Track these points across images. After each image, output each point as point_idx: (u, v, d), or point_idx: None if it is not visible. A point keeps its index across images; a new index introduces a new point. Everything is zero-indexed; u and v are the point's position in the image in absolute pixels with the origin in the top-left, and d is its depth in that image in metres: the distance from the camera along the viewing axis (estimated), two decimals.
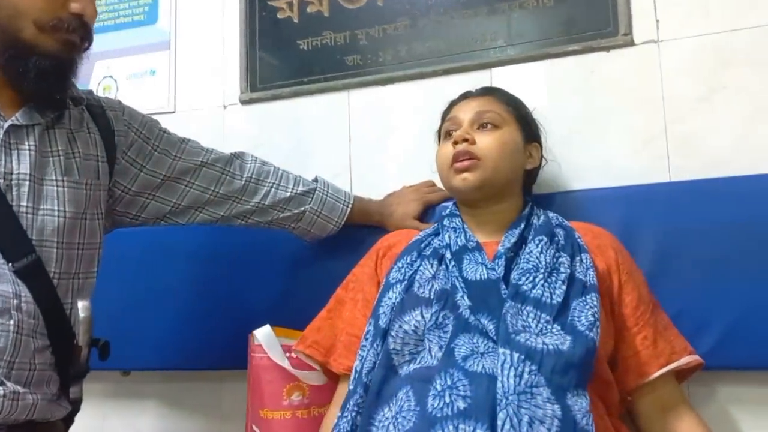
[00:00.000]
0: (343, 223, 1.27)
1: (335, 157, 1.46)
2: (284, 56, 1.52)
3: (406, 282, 1.03)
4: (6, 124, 0.95)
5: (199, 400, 1.49)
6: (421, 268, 1.04)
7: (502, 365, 0.85)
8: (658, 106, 1.24)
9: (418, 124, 1.40)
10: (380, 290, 1.06)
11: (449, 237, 1.06)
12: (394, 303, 1.01)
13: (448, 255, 1.03)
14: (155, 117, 1.22)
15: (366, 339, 1.01)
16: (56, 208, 0.97)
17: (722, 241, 1.09)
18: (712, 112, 1.20)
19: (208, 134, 1.36)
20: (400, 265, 1.06)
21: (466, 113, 1.10)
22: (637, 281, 1.04)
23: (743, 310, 1.06)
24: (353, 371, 1.00)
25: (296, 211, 1.23)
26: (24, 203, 0.94)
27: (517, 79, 1.34)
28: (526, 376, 0.84)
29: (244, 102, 1.54)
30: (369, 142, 1.45)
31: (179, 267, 1.43)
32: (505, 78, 1.35)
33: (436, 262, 1.04)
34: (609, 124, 1.26)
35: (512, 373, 0.84)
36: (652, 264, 1.10)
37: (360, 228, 1.31)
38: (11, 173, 0.94)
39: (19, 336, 0.91)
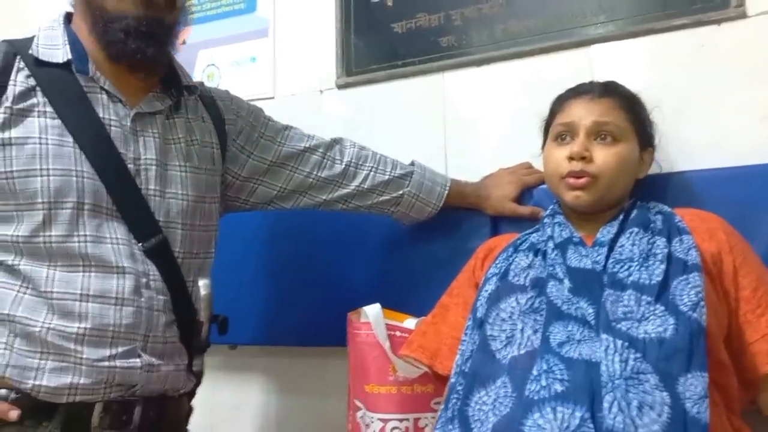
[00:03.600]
0: (441, 205, 1.28)
1: (430, 140, 1.46)
2: (378, 40, 1.53)
3: (501, 273, 1.05)
4: (132, 112, 1.02)
5: (302, 375, 1.56)
6: (516, 259, 1.06)
7: (606, 350, 0.85)
8: None
9: (515, 105, 1.39)
10: (479, 288, 1.08)
11: (552, 231, 1.06)
12: (490, 293, 1.03)
13: (550, 245, 1.03)
14: (256, 103, 1.28)
15: (466, 333, 1.04)
16: (180, 191, 1.04)
17: None
18: None
19: (305, 118, 1.40)
20: (497, 261, 1.09)
21: (583, 119, 1.05)
22: (753, 263, 1.00)
23: None
24: (454, 365, 1.03)
25: (395, 195, 1.26)
26: (152, 187, 1.02)
27: (619, 57, 1.30)
28: (631, 362, 0.83)
29: (340, 86, 1.57)
30: (464, 124, 1.45)
31: (285, 249, 1.50)
32: (606, 56, 1.31)
33: (531, 254, 1.06)
34: (721, 101, 1.21)
35: (617, 359, 0.84)
36: (765, 248, 1.05)
37: (457, 210, 1.32)
38: (140, 158, 1.01)
39: (151, 312, 0.98)
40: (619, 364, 0.83)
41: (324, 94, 1.60)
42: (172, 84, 1.09)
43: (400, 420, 1.18)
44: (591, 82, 1.12)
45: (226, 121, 1.16)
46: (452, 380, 1.01)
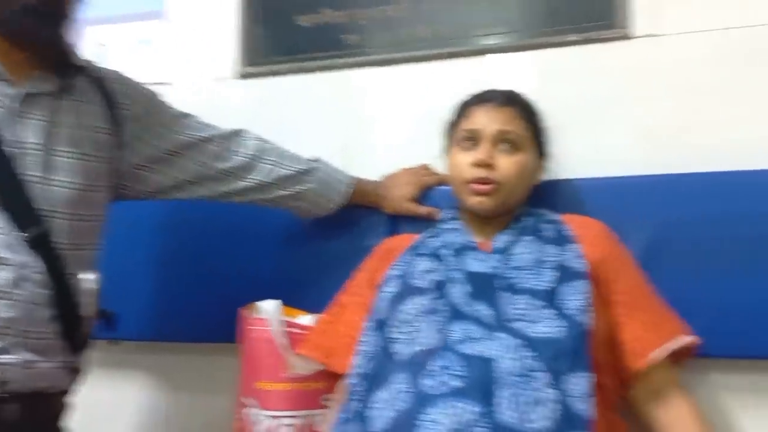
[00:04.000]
0: (342, 203, 1.28)
1: (333, 136, 1.46)
2: (284, 32, 1.51)
3: (402, 276, 1.08)
4: (20, 93, 0.95)
5: (190, 372, 1.50)
6: (416, 263, 1.09)
7: (501, 349, 0.89)
8: (653, 100, 1.27)
9: (417, 107, 1.42)
10: (379, 288, 1.10)
11: (448, 237, 1.10)
12: (392, 295, 1.06)
13: (447, 252, 1.07)
14: (151, 88, 1.21)
15: (365, 334, 1.06)
16: (66, 179, 0.98)
17: (714, 234, 1.13)
18: (705, 107, 1.24)
19: (204, 108, 1.34)
20: (398, 263, 1.12)
21: (487, 126, 1.09)
22: (630, 268, 1.08)
23: (728, 301, 1.11)
24: (354, 366, 1.04)
25: (297, 190, 1.25)
26: (34, 172, 0.94)
27: (513, 67, 1.36)
28: (525, 360, 0.88)
29: (241, 76, 1.53)
30: (367, 123, 1.46)
31: (175, 240, 1.44)
32: (501, 65, 1.37)
33: (431, 259, 1.09)
34: (605, 116, 1.29)
35: (513, 357, 0.88)
36: (645, 254, 1.13)
37: (356, 208, 1.33)
38: (22, 142, 0.94)
39: (32, 305, 0.91)
40: (513, 361, 0.88)
41: (224, 83, 1.55)
42: (63, 63, 1.01)
43: (293, 417, 1.17)
44: (494, 90, 1.16)
45: (120, 105, 1.10)
46: (352, 381, 1.02)
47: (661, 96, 1.27)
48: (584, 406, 0.86)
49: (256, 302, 1.23)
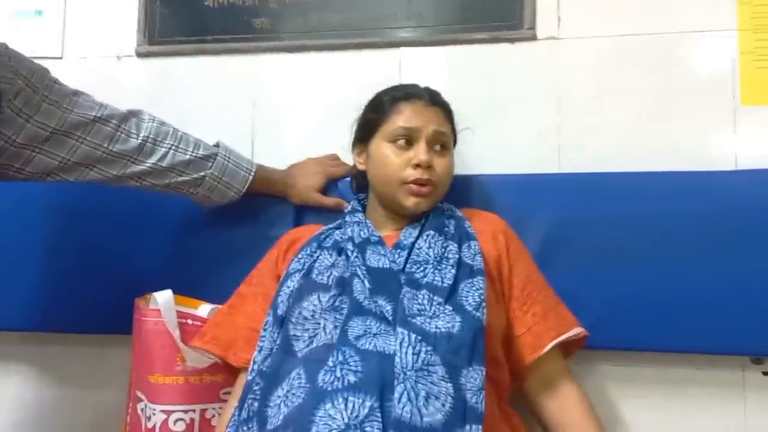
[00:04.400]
0: (244, 191, 1.24)
1: (239, 122, 1.42)
2: (187, 10, 1.45)
3: (304, 270, 1.06)
4: None
5: (77, 365, 1.42)
6: (320, 257, 1.07)
7: (401, 343, 0.89)
8: (555, 101, 1.31)
9: (327, 96, 1.41)
10: (280, 281, 1.07)
11: (352, 231, 1.09)
12: (292, 290, 1.04)
13: (350, 246, 1.06)
14: (41, 62, 1.13)
15: (265, 329, 1.03)
16: None
17: (603, 232, 1.18)
18: (602, 110, 1.29)
19: (99, 86, 1.26)
20: (300, 256, 1.09)
21: (425, 126, 1.08)
22: (525, 263, 1.10)
23: (618, 295, 1.16)
24: (252, 362, 1.01)
25: (195, 176, 1.20)
26: None
27: (424, 62, 1.37)
28: (423, 355, 0.88)
29: (140, 55, 1.46)
30: (275, 110, 1.42)
31: (64, 224, 1.36)
32: (413, 59, 1.37)
33: (335, 253, 1.07)
34: (508, 114, 1.32)
35: (410, 351, 0.88)
36: (539, 249, 1.17)
37: (261, 197, 1.29)
38: None
39: None
40: (411, 356, 0.88)
41: (122, 61, 1.47)
42: None
43: (185, 411, 1.13)
44: (416, 86, 1.15)
45: (1, 78, 1.01)
46: (249, 377, 0.99)
47: (561, 97, 1.31)
48: (478, 400, 0.87)
49: (152, 292, 1.17)
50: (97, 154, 1.11)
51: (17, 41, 1.16)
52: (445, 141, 1.11)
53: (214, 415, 1.15)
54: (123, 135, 1.14)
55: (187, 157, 1.19)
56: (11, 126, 1.03)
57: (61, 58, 1.48)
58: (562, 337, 1.05)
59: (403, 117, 1.09)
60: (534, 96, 1.32)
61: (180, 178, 1.19)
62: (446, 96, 1.17)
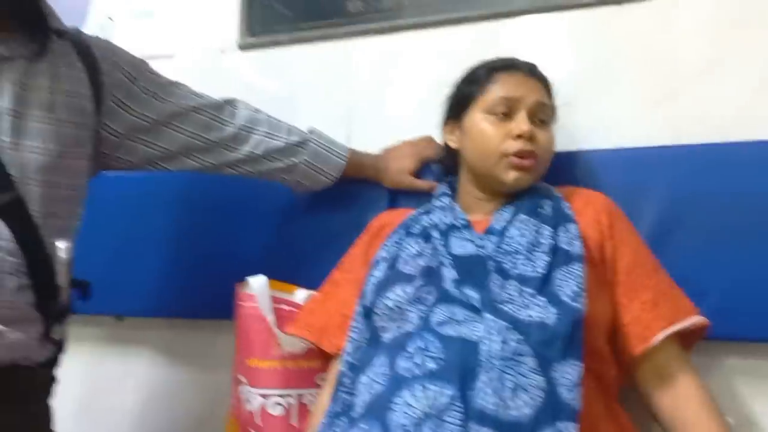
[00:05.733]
0: (337, 176, 1.24)
1: (334, 108, 1.41)
2: (285, 1, 1.46)
3: (391, 259, 1.02)
4: None
5: (190, 348, 1.49)
6: (407, 245, 1.02)
7: (488, 330, 0.83)
8: (669, 66, 1.18)
9: (421, 76, 1.36)
10: (368, 270, 1.05)
11: (437, 216, 1.04)
12: (378, 281, 1.00)
13: (435, 234, 1.00)
14: (153, 61, 1.18)
15: (355, 320, 1.01)
16: (39, 144, 0.94)
17: (724, 209, 1.05)
18: (723, 75, 1.14)
19: (206, 79, 1.32)
20: (387, 243, 1.06)
21: (526, 97, 1.01)
22: (632, 245, 1.00)
23: (744, 280, 1.02)
24: (343, 352, 1.00)
25: (288, 162, 1.20)
26: (4, 137, 0.92)
27: (523, 32, 1.29)
28: (512, 344, 0.82)
29: (242, 47, 1.50)
30: (370, 93, 1.40)
31: (175, 214, 1.42)
32: (511, 30, 1.29)
33: (422, 240, 1.02)
34: (616, 84, 1.21)
35: (498, 339, 0.82)
36: (652, 230, 1.07)
37: (355, 181, 1.28)
38: None
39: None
40: (499, 344, 0.82)
41: (226, 55, 1.52)
42: (38, 25, 0.98)
43: (282, 395, 1.14)
44: (515, 59, 1.08)
45: (103, 71, 1.06)
46: (341, 368, 0.98)
47: (675, 62, 1.18)
48: (572, 396, 0.79)
49: (248, 278, 1.20)
50: (195, 143, 1.15)
51: (133, 42, 1.23)
52: (546, 114, 1.03)
53: (311, 401, 1.15)
54: (218, 123, 1.17)
55: (281, 143, 1.19)
56: (114, 118, 1.09)
57: (172, 56, 1.54)
58: (675, 327, 0.94)
59: (503, 87, 1.03)
60: (645, 62, 1.19)
61: (274, 165, 1.20)
62: (546, 67, 1.09)
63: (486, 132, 1.02)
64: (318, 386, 1.15)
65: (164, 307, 1.45)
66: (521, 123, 0.99)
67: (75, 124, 1.00)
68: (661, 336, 0.93)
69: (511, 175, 1.00)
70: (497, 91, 1.03)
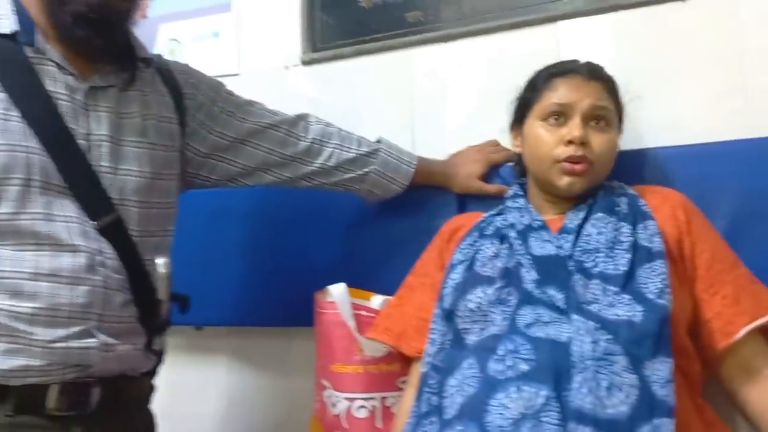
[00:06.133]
0: (407, 183, 1.27)
1: (396, 117, 1.44)
2: (344, 15, 1.50)
3: (468, 262, 1.04)
4: (85, 86, 0.99)
5: (267, 355, 1.54)
6: (482, 247, 1.05)
7: (577, 331, 0.85)
8: (736, 59, 1.17)
9: (482, 82, 1.38)
10: (445, 273, 1.07)
11: (513, 217, 1.05)
12: (456, 283, 1.02)
13: (512, 234, 1.02)
14: (220, 80, 1.24)
15: (434, 323, 1.04)
16: (135, 168, 1.01)
17: None
18: None
19: (270, 95, 1.37)
20: (462, 246, 1.08)
21: (580, 101, 1.02)
22: (710, 240, 1.01)
23: None
24: (424, 354, 1.02)
25: (360, 172, 1.24)
26: (104, 163, 0.98)
27: (584, 34, 1.29)
28: (602, 343, 0.83)
29: (305, 62, 1.54)
30: (431, 101, 1.43)
31: (250, 227, 1.47)
32: (572, 32, 1.30)
33: (497, 242, 1.04)
34: (681, 80, 1.21)
35: (588, 339, 0.84)
36: (728, 225, 1.06)
37: (423, 188, 1.31)
38: (91, 134, 0.98)
39: (107, 290, 0.95)
40: (590, 344, 0.83)
41: (289, 71, 1.56)
42: (127, 56, 1.05)
43: (366, 399, 1.17)
44: (575, 61, 1.09)
45: (185, 95, 1.13)
46: (423, 370, 1.01)
47: (743, 55, 1.17)
48: (667, 392, 0.81)
49: (328, 286, 1.24)
50: (272, 159, 1.20)
51: (200, 63, 1.29)
52: (604, 116, 1.03)
53: (393, 404, 1.18)
54: (293, 138, 1.21)
55: (352, 155, 1.23)
56: (196, 138, 1.15)
57: (237, 74, 1.60)
58: (759, 322, 0.94)
59: (557, 93, 1.04)
60: (711, 57, 1.19)
61: (346, 176, 1.24)
62: (610, 67, 1.10)
63: (540, 138, 1.05)
64: (399, 389, 1.19)
65: (241, 316, 1.50)
66: (573, 129, 1.01)
67: (165, 147, 1.06)
68: (744, 331, 0.94)
69: (564, 180, 1.02)
70: (552, 97, 1.05)
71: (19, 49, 0.95)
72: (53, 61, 0.97)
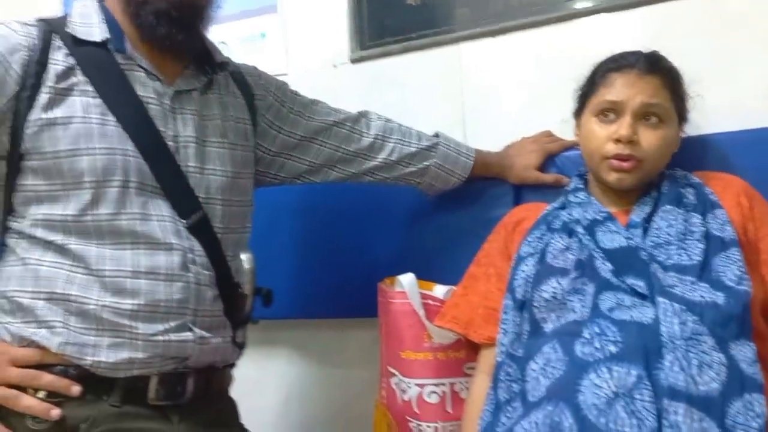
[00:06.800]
0: (466, 176, 1.30)
1: (447, 113, 1.47)
2: (392, 12, 1.53)
3: (538, 255, 1.06)
4: (171, 90, 1.03)
5: (325, 347, 1.58)
6: (552, 240, 1.07)
7: (664, 313, 0.87)
8: None
9: (532, 74, 1.41)
10: (513, 265, 1.10)
11: (577, 212, 1.07)
12: (528, 275, 1.05)
13: (579, 229, 1.04)
14: None
15: (506, 313, 1.06)
16: (218, 168, 1.05)
17: None
18: None
19: (320, 94, 1.39)
20: (530, 239, 1.10)
21: (631, 99, 1.03)
22: None
23: None
24: (498, 344, 1.05)
25: (421, 166, 1.28)
26: (191, 163, 1.02)
27: (633, 24, 1.32)
28: (690, 324, 0.86)
29: (354, 60, 1.57)
30: (482, 95, 1.46)
31: (305, 221, 1.51)
32: (621, 23, 1.33)
33: (566, 236, 1.06)
34: (737, 65, 1.23)
35: (676, 321, 0.86)
36: None
37: (479, 180, 1.34)
38: (179, 136, 1.02)
39: (198, 286, 1.00)
40: (678, 325, 0.86)
41: (338, 69, 1.59)
42: (205, 60, 1.09)
43: (437, 385, 1.21)
44: (635, 53, 1.09)
45: (256, 96, 1.17)
46: (499, 359, 1.04)
47: None
48: (755, 370, 0.84)
49: (395, 276, 1.27)
50: (338, 155, 1.24)
51: (247, 62, 1.32)
52: (656, 113, 1.04)
53: (462, 389, 1.22)
54: (357, 135, 1.25)
55: (413, 149, 1.27)
56: (266, 137, 1.19)
57: (286, 74, 1.63)
58: None
59: (611, 89, 1.06)
60: (765, 40, 1.21)
61: (408, 170, 1.28)
62: (667, 54, 1.11)
63: (592, 133, 1.07)
64: (467, 375, 1.22)
65: (295, 308, 1.54)
66: (621, 127, 1.02)
67: (243, 147, 1.11)
68: None
69: (612, 176, 1.04)
70: (605, 93, 1.06)
71: (111, 57, 0.99)
72: (141, 67, 1.01)
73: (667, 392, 0.82)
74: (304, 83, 1.58)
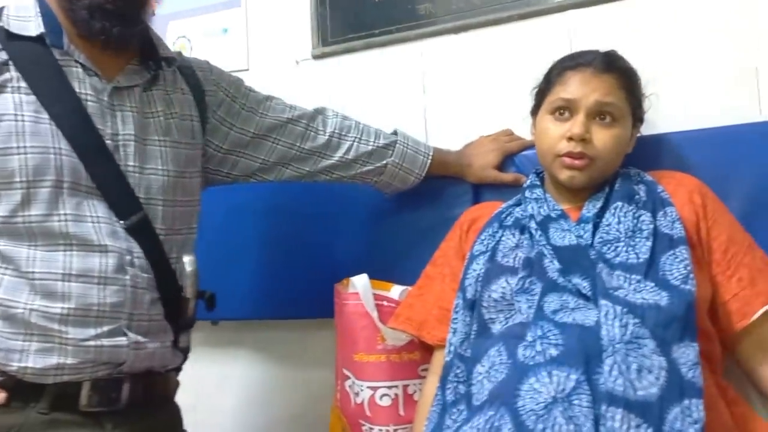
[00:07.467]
0: (424, 174, 1.28)
1: (410, 109, 1.46)
2: (355, 8, 1.51)
3: (489, 252, 1.06)
4: (109, 87, 1.00)
5: (285, 348, 1.56)
6: (503, 238, 1.06)
7: (605, 315, 0.86)
8: (753, 39, 1.18)
9: (494, 72, 1.39)
10: (465, 263, 1.09)
11: (532, 207, 1.06)
12: (478, 274, 1.04)
13: (532, 225, 1.03)
14: None
15: (456, 312, 1.06)
16: (160, 167, 1.02)
17: None
18: None
19: (281, 90, 1.37)
20: (483, 237, 1.09)
21: (585, 97, 1.02)
22: (725, 223, 1.02)
23: None
24: (447, 343, 1.04)
25: (378, 165, 1.26)
26: (131, 163, 0.99)
27: (596, 22, 1.30)
28: (630, 327, 0.85)
29: (316, 57, 1.55)
30: (443, 92, 1.44)
31: (266, 221, 1.49)
32: (583, 21, 1.31)
33: (517, 232, 1.06)
34: (693, 64, 1.22)
35: (617, 324, 0.85)
36: (743, 209, 1.07)
37: (438, 179, 1.32)
38: (118, 134, 0.99)
39: (135, 290, 0.97)
40: (619, 328, 0.85)
41: (300, 65, 1.57)
42: (149, 56, 1.06)
43: (389, 387, 1.19)
44: (592, 52, 1.08)
45: (206, 92, 1.14)
46: (447, 359, 1.03)
47: (761, 33, 1.18)
48: (695, 374, 0.83)
49: (349, 278, 1.25)
50: (292, 153, 1.21)
51: (209, 58, 1.30)
52: (611, 112, 1.02)
53: (415, 391, 1.20)
54: (312, 132, 1.23)
55: (370, 147, 1.25)
56: (217, 134, 1.16)
57: (247, 69, 1.61)
58: None
59: (566, 87, 1.05)
60: (724, 37, 1.20)
61: (364, 168, 1.25)
62: (624, 54, 1.10)
63: (546, 131, 1.06)
64: (421, 377, 1.21)
65: (256, 310, 1.52)
66: (574, 125, 1.01)
67: (188, 145, 1.08)
68: (760, 312, 0.96)
69: (564, 174, 1.03)
70: (559, 91, 1.05)
71: (48, 52, 0.96)
72: (79, 63, 0.98)
73: (605, 397, 0.80)
74: (265, 79, 1.57)
